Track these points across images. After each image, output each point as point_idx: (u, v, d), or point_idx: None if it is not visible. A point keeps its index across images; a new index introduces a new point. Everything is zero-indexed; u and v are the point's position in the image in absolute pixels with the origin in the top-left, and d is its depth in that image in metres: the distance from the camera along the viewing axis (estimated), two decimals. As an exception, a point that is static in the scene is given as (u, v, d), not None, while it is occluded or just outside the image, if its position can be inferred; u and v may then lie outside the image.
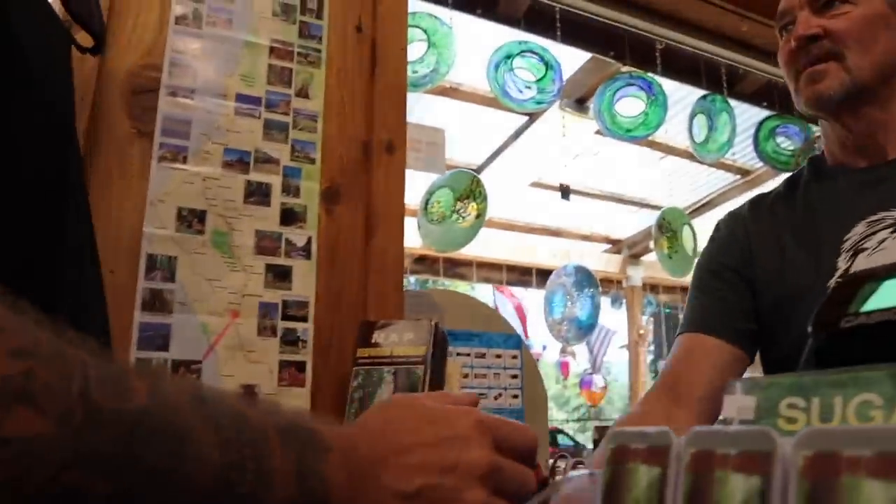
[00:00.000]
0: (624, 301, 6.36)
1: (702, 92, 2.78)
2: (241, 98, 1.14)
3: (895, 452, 0.21)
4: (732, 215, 1.11)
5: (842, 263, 0.89)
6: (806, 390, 0.35)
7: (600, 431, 1.58)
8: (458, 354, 1.44)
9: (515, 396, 1.49)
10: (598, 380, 6.27)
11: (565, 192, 2.85)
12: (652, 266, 6.21)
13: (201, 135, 1.10)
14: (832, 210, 0.96)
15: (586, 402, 6.82)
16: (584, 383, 6.41)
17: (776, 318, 0.98)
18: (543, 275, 5.73)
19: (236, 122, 1.13)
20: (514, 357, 1.52)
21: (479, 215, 2.17)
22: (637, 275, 5.82)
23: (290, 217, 1.14)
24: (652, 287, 6.42)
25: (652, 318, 6.87)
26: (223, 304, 1.06)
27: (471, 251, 5.05)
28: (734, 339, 0.98)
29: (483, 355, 1.47)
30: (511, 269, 5.63)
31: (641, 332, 6.07)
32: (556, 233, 5.62)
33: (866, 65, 0.92)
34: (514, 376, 1.51)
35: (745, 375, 0.98)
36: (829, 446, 0.24)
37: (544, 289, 4.01)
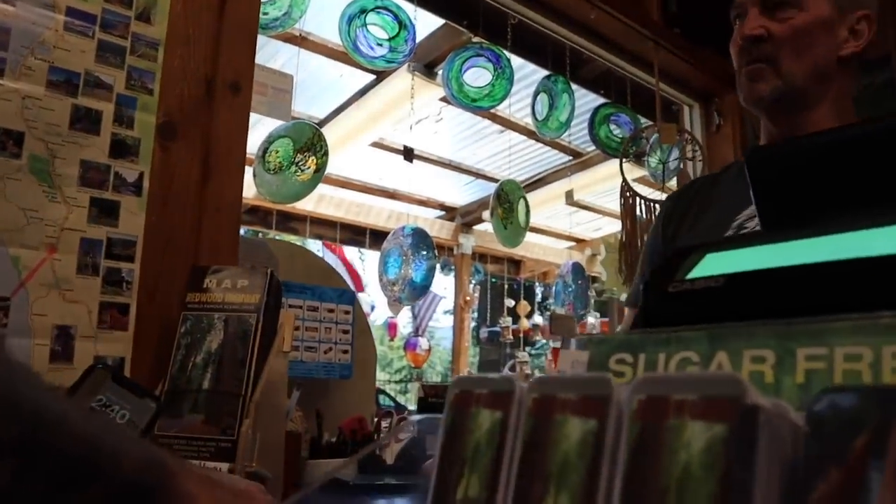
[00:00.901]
0: (453, 267, 6.55)
1: (546, 72, 2.90)
2: (72, 12, 1.04)
3: (715, 395, 0.25)
4: (673, 195, 1.23)
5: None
6: (634, 347, 0.38)
7: (426, 389, 1.64)
8: (291, 306, 1.43)
9: (345, 352, 1.51)
10: (423, 342, 6.44)
11: (408, 154, 2.87)
12: (482, 235, 6.44)
13: (22, 47, 0.99)
14: (732, 196, 1.07)
15: (410, 363, 6.98)
16: (410, 345, 6.56)
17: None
18: (377, 236, 5.76)
19: (65, 39, 1.03)
20: (347, 313, 1.53)
21: (319, 170, 2.14)
22: (468, 243, 6.01)
23: (120, 149, 1.06)
24: (481, 256, 6.66)
25: (478, 286, 7.14)
26: (39, 237, 0.97)
27: (305, 206, 4.96)
28: None
29: (315, 309, 1.47)
30: (345, 227, 5.60)
31: (468, 298, 6.29)
32: (392, 195, 5.65)
33: (798, 71, 1.02)
34: (346, 332, 1.52)
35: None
36: (660, 391, 0.27)
37: (377, 250, 4.04)
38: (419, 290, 2.79)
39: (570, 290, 3.77)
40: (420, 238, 2.84)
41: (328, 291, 1.49)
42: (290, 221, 5.37)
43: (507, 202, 2.88)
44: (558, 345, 4.45)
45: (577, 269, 4.13)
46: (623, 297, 2.77)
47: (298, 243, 4.38)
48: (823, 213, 0.44)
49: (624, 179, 2.35)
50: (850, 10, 1.07)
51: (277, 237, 5.41)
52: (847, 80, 1.09)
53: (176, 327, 1.03)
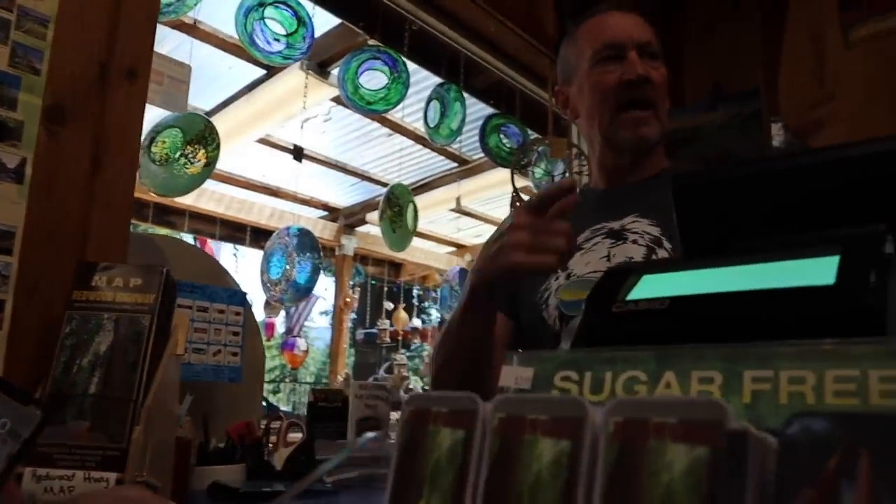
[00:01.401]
0: (333, 268, 6.48)
1: (438, 79, 2.94)
2: (-51, -23, 0.95)
3: (696, 420, 0.26)
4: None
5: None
6: (579, 365, 0.39)
7: (316, 394, 1.61)
8: (180, 306, 1.36)
9: (235, 354, 1.45)
10: (301, 343, 6.31)
11: (298, 153, 2.81)
12: (364, 237, 6.41)
13: None
14: (573, 222, 1.13)
15: (287, 364, 6.83)
16: (287, 345, 6.41)
17: (520, 299, 1.15)
18: (258, 233, 5.60)
19: (-59, 7, 0.93)
20: (238, 314, 1.48)
21: (209, 164, 2.06)
22: (350, 244, 5.96)
23: (1, 132, 0.97)
24: (362, 258, 6.62)
25: (358, 288, 7.10)
26: None
27: (185, 200, 4.74)
28: (508, 314, 1.19)
29: (205, 309, 1.41)
30: (225, 223, 5.40)
31: (348, 300, 6.24)
32: (275, 193, 5.52)
33: (664, 115, 1.10)
34: (236, 333, 1.46)
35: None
36: (637, 414, 0.28)
37: (258, 248, 3.92)
38: (302, 292, 2.73)
39: (456, 294, 3.82)
40: (306, 239, 2.78)
41: (219, 291, 1.43)
42: (168, 215, 5.12)
43: (396, 205, 2.88)
44: None
45: (465, 274, 4.19)
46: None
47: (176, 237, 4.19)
48: (744, 238, 0.48)
49: (514, 189, 2.41)
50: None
51: (150, 230, 5.14)
52: None
53: (58, 327, 0.96)
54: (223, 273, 1.62)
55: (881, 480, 0.24)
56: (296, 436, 1.59)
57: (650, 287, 0.43)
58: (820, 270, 0.38)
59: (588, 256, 1.08)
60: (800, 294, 0.36)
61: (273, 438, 1.48)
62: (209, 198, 5.05)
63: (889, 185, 0.44)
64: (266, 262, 2.77)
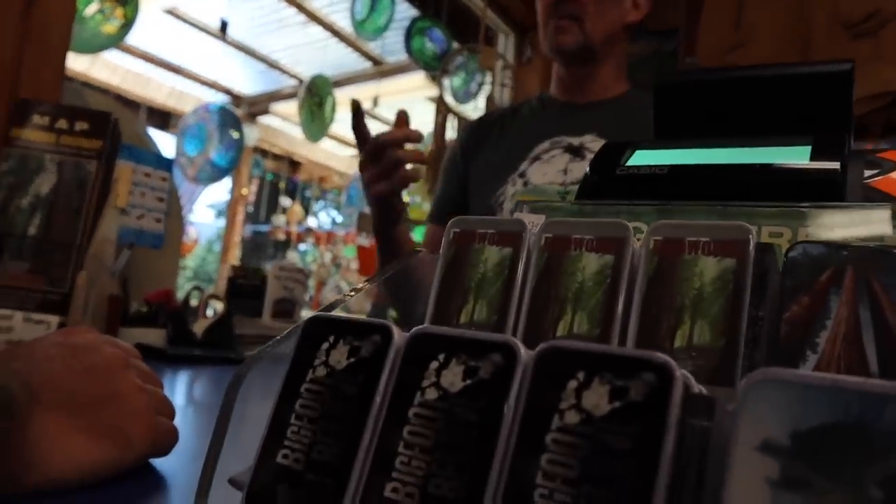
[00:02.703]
0: (230, 159, 6.26)
1: (369, -29, 2.86)
2: None
3: (726, 238, 0.32)
4: (471, 123, 1.37)
5: (523, 165, 1.13)
6: (587, 215, 0.45)
7: (235, 271, 1.61)
8: (105, 165, 1.31)
9: (158, 220, 1.43)
10: (192, 232, 6.13)
11: (223, 27, 2.67)
12: (265, 129, 6.21)
13: None
14: (530, 129, 1.22)
15: (176, 251, 6.61)
16: (176, 232, 6.20)
17: (473, 203, 1.23)
18: (152, 112, 5.32)
19: None
20: (164, 179, 1.44)
21: (127, 24, 1.94)
22: (252, 134, 5.76)
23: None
24: (263, 151, 6.43)
25: (256, 180, 6.92)
26: None
27: (75, 66, 4.40)
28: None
29: (132, 171, 1.37)
30: (119, 98, 5.07)
31: (244, 192, 6.09)
32: (176, 70, 5.21)
33: (596, 30, 1.18)
34: (160, 199, 1.43)
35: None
36: (674, 234, 0.34)
37: (152, 126, 3.72)
38: (221, 172, 2.66)
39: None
40: (228, 117, 2.69)
41: (146, 154, 1.38)
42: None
43: (317, 96, 2.82)
44: (366, 243, 4.52)
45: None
46: (427, 205, 2.89)
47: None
48: (715, 132, 0.55)
49: (441, 95, 2.43)
50: None
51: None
52: (625, 44, 1.31)
53: (-7, 165, 0.92)
54: (147, 139, 1.57)
55: (861, 290, 0.31)
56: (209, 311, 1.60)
57: (645, 158, 0.49)
58: (795, 153, 0.45)
59: (545, 167, 1.15)
60: (780, 168, 0.43)
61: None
62: (103, 66, 4.72)
63: (837, 98, 0.52)
64: (181, 137, 2.65)
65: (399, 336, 0.28)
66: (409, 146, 1.02)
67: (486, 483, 0.24)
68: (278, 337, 0.32)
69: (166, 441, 0.46)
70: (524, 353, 0.25)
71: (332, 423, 0.28)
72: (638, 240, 0.43)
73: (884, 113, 2.24)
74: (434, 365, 0.27)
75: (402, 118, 1.03)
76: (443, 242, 0.40)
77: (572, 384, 0.24)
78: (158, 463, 0.47)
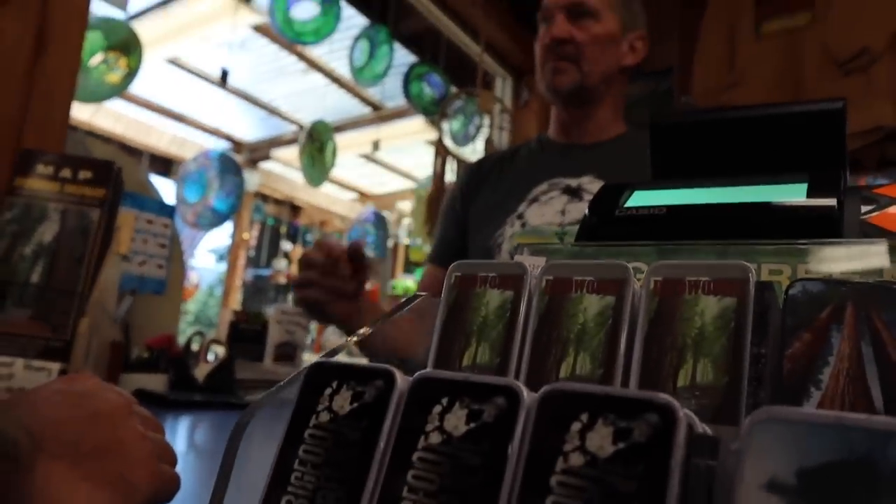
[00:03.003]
0: (232, 204, 6.30)
1: (366, 20, 2.91)
2: None
3: (726, 277, 0.32)
4: (471, 166, 1.39)
5: (521, 207, 1.14)
6: (587, 257, 0.46)
7: (237, 315, 1.62)
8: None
9: (160, 266, 1.43)
10: (193, 276, 6.14)
11: (224, 77, 2.72)
12: (267, 175, 6.26)
13: None
14: (529, 170, 1.24)
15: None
16: (178, 278, 6.21)
17: (471, 245, 1.25)
18: (155, 159, 5.37)
19: None
20: (166, 226, 1.45)
21: (130, 74, 1.97)
22: (253, 180, 5.81)
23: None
24: (264, 196, 6.48)
25: (258, 226, 6.94)
26: None
27: (79, 115, 4.46)
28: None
29: (134, 218, 1.38)
30: (122, 146, 5.13)
31: (245, 237, 6.11)
32: (178, 118, 5.28)
33: (593, 71, 1.20)
34: (163, 245, 1.44)
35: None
36: (674, 274, 0.34)
37: (154, 172, 3.74)
38: (221, 217, 2.67)
39: (369, 237, 3.84)
40: (228, 164, 2.72)
41: (148, 201, 1.40)
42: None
43: (318, 141, 2.85)
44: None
45: (379, 218, 4.22)
46: (427, 247, 2.90)
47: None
48: (710, 173, 0.55)
49: (440, 138, 2.46)
50: (631, 30, 1.29)
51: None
52: (623, 86, 1.33)
53: (-3, 214, 0.93)
54: (149, 186, 1.59)
55: (862, 325, 0.31)
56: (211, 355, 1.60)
57: (643, 198, 0.49)
58: (792, 191, 0.45)
59: (543, 209, 1.16)
60: (778, 206, 0.44)
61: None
62: (107, 115, 4.78)
63: (831, 135, 0.53)
64: (182, 184, 2.68)
65: (402, 381, 0.28)
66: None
67: (491, 528, 0.23)
68: (281, 383, 0.32)
69: (169, 488, 0.46)
70: (527, 395, 0.25)
71: (336, 468, 0.28)
72: (638, 280, 0.43)
73: (877, 147, 2.27)
74: (437, 409, 0.27)
75: (324, 246, 1.07)
76: (444, 286, 0.40)
77: (576, 426, 0.24)
78: (161, 511, 0.46)
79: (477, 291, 0.39)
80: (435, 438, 0.26)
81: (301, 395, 0.30)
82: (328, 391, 0.29)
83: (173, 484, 0.47)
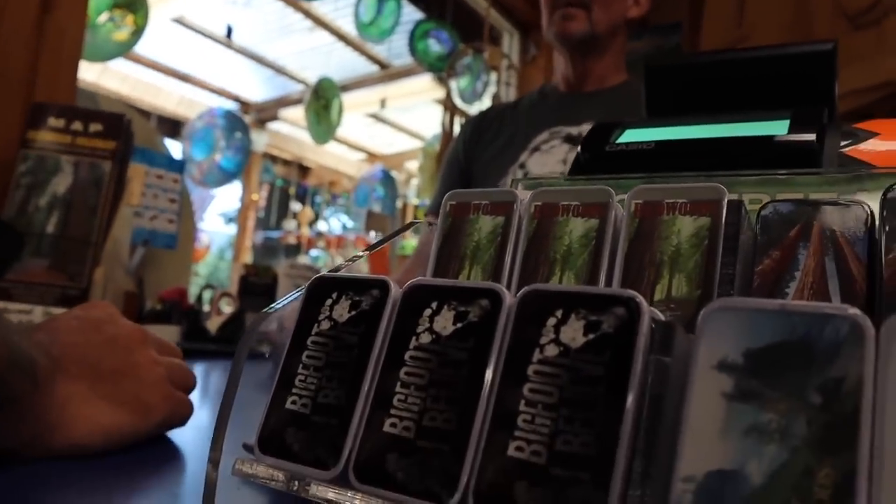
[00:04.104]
0: (240, 165, 6.32)
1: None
2: None
3: (702, 199, 0.34)
4: (472, 119, 1.38)
5: (523, 156, 1.15)
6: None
7: (248, 269, 1.65)
8: (118, 167, 1.35)
9: (171, 221, 1.46)
10: (204, 238, 6.19)
11: (229, 32, 2.71)
12: (274, 135, 6.26)
13: None
14: (530, 120, 1.23)
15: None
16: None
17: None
18: (165, 122, 5.37)
19: None
20: (176, 181, 1.47)
21: (137, 32, 1.98)
22: (261, 140, 5.81)
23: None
24: (272, 157, 6.49)
25: (266, 186, 6.97)
26: None
27: (86, 76, 4.46)
28: None
29: (144, 173, 1.40)
30: (129, 107, 5.12)
31: (255, 197, 6.14)
32: (184, 78, 5.27)
33: (603, 20, 1.19)
34: (173, 201, 1.47)
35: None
36: (653, 197, 0.36)
37: (171, 135, 3.75)
38: (228, 176, 2.69)
39: (377, 195, 3.85)
40: (235, 121, 2.72)
41: (158, 156, 1.42)
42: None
43: (323, 99, 2.85)
44: (371, 240, 4.55)
45: (387, 175, 4.22)
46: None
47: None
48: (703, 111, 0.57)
49: (448, 94, 2.46)
50: None
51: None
52: (625, 39, 1.33)
53: (9, 167, 0.96)
54: (159, 142, 1.61)
55: (826, 242, 0.33)
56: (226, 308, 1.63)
57: (633, 135, 0.51)
58: (775, 126, 0.47)
59: (545, 157, 1.18)
60: (760, 139, 0.46)
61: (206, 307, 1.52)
62: (113, 76, 4.78)
63: (821, 75, 0.54)
64: (188, 142, 2.69)
65: (396, 289, 0.31)
66: None
67: (475, 413, 0.26)
68: (288, 296, 0.35)
69: (181, 412, 0.49)
70: (509, 297, 0.28)
71: (336, 369, 0.30)
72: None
73: (889, 102, 2.25)
74: (427, 312, 0.29)
75: None
76: (440, 214, 0.42)
77: (551, 321, 0.26)
78: (178, 437, 0.49)
79: (470, 218, 0.42)
80: (425, 338, 0.29)
81: (304, 305, 0.33)
82: (329, 301, 0.32)
83: (185, 408, 0.50)
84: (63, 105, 0.98)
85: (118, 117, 0.99)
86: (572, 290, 0.26)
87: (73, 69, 1.11)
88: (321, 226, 7.31)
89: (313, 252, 7.40)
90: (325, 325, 0.32)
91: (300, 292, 0.34)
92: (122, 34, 1.93)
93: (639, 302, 0.25)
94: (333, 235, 7.42)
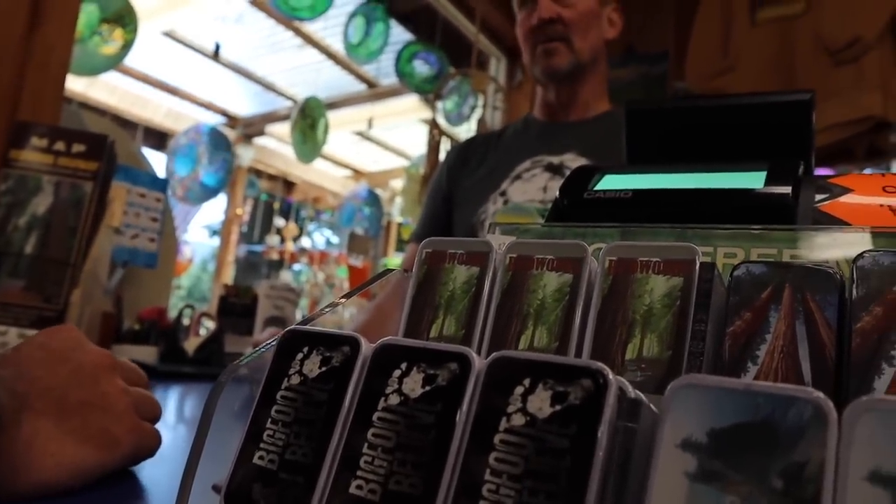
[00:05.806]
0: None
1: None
2: None
3: (675, 259, 0.35)
4: (458, 146, 1.40)
5: (504, 184, 1.16)
6: (555, 237, 0.48)
7: (227, 289, 1.64)
8: (100, 185, 1.34)
9: (152, 240, 1.45)
10: (186, 251, 6.15)
11: (216, 50, 2.72)
12: (261, 150, 6.25)
13: None
14: (513, 149, 1.25)
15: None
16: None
17: (456, 222, 1.25)
18: (150, 134, 5.36)
19: None
20: (158, 200, 1.47)
21: (126, 46, 1.97)
22: (247, 155, 5.80)
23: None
24: (258, 172, 6.47)
25: (251, 201, 6.94)
26: None
27: (74, 86, 4.44)
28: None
29: (126, 191, 1.39)
30: (115, 118, 5.11)
31: (239, 212, 6.11)
32: (173, 91, 5.26)
33: (584, 48, 1.20)
34: (154, 219, 1.46)
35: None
36: (627, 254, 0.36)
37: (148, 146, 3.74)
38: (210, 192, 2.68)
39: (363, 214, 3.85)
40: (218, 138, 2.72)
41: (141, 175, 1.41)
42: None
43: (310, 118, 2.86)
44: (357, 264, 4.54)
45: (372, 195, 4.22)
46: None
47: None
48: (681, 158, 0.58)
49: (434, 117, 2.47)
50: (607, 3, 1.31)
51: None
52: (605, 62, 1.34)
53: (-10, 185, 0.95)
54: (142, 160, 1.60)
55: (797, 306, 0.33)
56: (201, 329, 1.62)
57: (612, 182, 0.51)
58: (751, 179, 0.48)
59: (526, 186, 1.18)
60: (736, 192, 0.46)
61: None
62: (102, 87, 4.75)
63: (798, 126, 0.55)
64: (172, 157, 2.68)
65: (367, 347, 0.31)
66: None
67: (440, 479, 0.26)
68: (259, 348, 0.35)
69: (149, 444, 0.48)
70: (478, 361, 0.28)
71: (304, 426, 0.30)
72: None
73: (867, 137, 2.29)
74: (397, 373, 0.29)
75: None
76: (416, 262, 0.43)
77: (519, 390, 0.26)
78: (146, 471, 0.49)
79: (446, 267, 0.42)
80: (394, 400, 0.28)
81: (275, 359, 0.32)
82: (300, 356, 0.32)
83: (153, 440, 0.49)
84: (46, 125, 0.98)
85: (101, 138, 0.98)
86: (540, 360, 0.26)
87: (60, 86, 1.11)
88: (304, 241, 7.29)
89: (296, 266, 7.38)
90: (296, 379, 0.31)
91: (273, 343, 0.34)
92: (111, 48, 1.92)
93: (605, 374, 0.25)
94: (317, 251, 7.40)
